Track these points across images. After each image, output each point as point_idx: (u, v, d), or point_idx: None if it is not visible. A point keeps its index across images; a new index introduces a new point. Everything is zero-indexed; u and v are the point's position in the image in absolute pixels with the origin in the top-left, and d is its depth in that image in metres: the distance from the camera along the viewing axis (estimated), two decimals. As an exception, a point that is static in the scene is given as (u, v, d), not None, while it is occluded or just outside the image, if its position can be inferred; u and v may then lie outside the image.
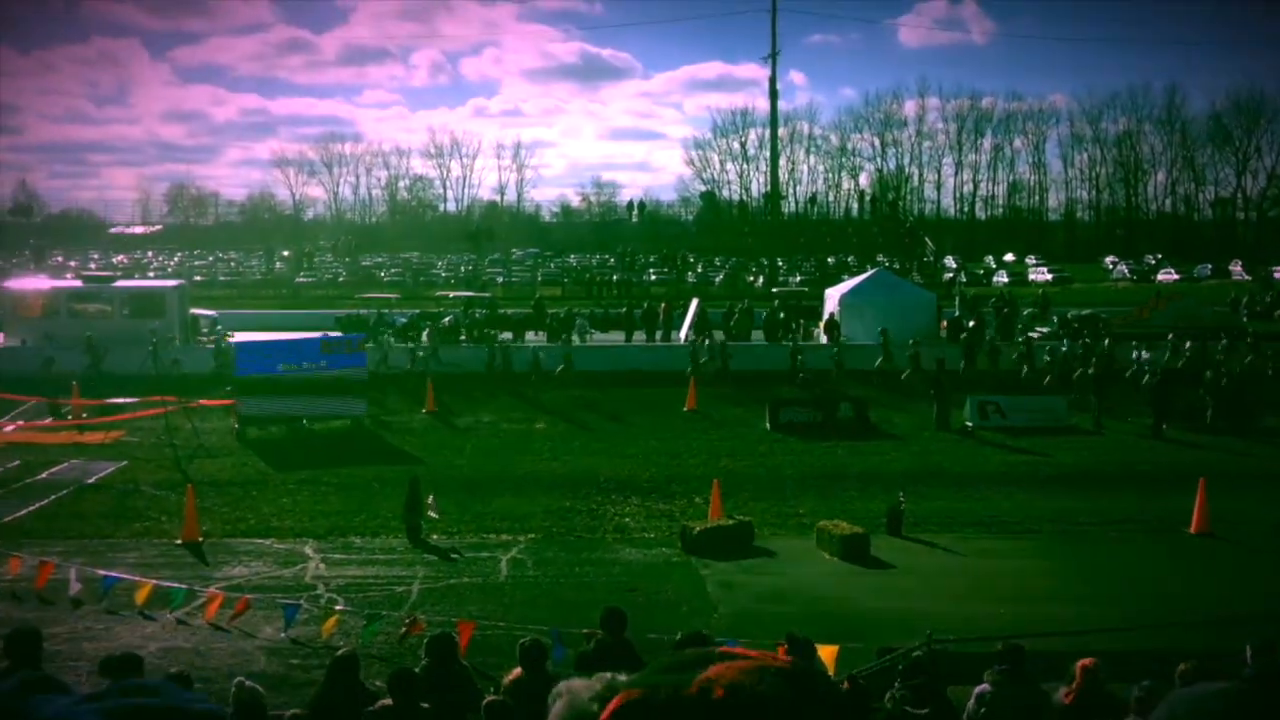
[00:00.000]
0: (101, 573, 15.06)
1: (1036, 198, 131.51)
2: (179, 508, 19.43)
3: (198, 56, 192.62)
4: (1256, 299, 55.28)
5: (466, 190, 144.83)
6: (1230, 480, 21.91)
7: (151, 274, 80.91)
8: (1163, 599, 15.06)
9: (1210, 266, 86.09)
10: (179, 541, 18.26)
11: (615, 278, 72.78)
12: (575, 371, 35.28)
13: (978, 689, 8.20)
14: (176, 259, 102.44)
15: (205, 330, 41.81)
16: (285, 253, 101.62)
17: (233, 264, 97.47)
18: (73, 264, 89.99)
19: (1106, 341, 36.36)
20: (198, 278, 75.41)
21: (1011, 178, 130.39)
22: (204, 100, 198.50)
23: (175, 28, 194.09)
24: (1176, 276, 79.86)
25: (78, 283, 44.07)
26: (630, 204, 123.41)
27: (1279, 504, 20.64)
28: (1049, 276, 79.27)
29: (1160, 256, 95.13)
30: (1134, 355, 35.14)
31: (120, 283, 44.81)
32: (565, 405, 31.97)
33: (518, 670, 8.61)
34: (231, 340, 35.84)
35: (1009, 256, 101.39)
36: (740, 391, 33.08)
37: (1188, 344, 34.76)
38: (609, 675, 1.55)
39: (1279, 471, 23.73)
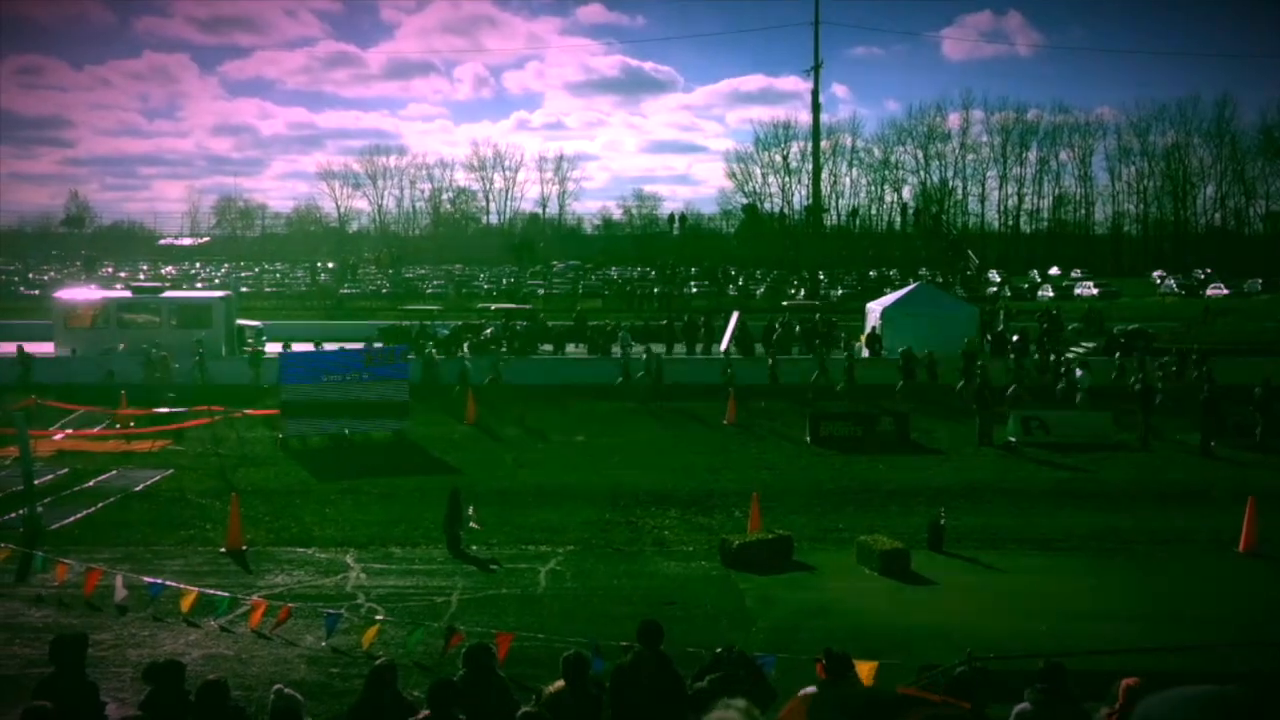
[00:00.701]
0: (147, 580, 15.28)
1: (1082, 211, 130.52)
2: (223, 516, 19.67)
3: (246, 70, 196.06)
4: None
5: (509, 203, 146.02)
6: (1280, 499, 21.53)
7: (199, 285, 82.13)
8: (1210, 619, 14.81)
9: (1260, 281, 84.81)
10: (223, 549, 18.48)
11: (656, 290, 72.87)
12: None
13: (1018, 708, 8.10)
14: (223, 270, 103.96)
15: (251, 340, 42.37)
16: (330, 264, 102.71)
17: (278, 275, 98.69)
18: (123, 275, 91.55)
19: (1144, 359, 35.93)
20: (244, 289, 76.45)
21: (1057, 191, 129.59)
22: (252, 114, 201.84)
23: (224, 42, 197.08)
24: (1226, 291, 78.75)
25: (127, 293, 44.82)
26: (671, 217, 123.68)
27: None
28: (1095, 291, 78.44)
29: (1210, 271, 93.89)
30: (1062, 370, 34.75)
31: (168, 294, 45.61)
32: (606, 417, 32.04)
33: (560, 683, 8.63)
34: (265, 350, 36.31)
35: (1054, 270, 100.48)
36: (782, 405, 33.02)
37: (1135, 360, 34.57)
38: (742, 704, 1.40)
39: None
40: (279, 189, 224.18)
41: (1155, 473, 25.28)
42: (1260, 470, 25.22)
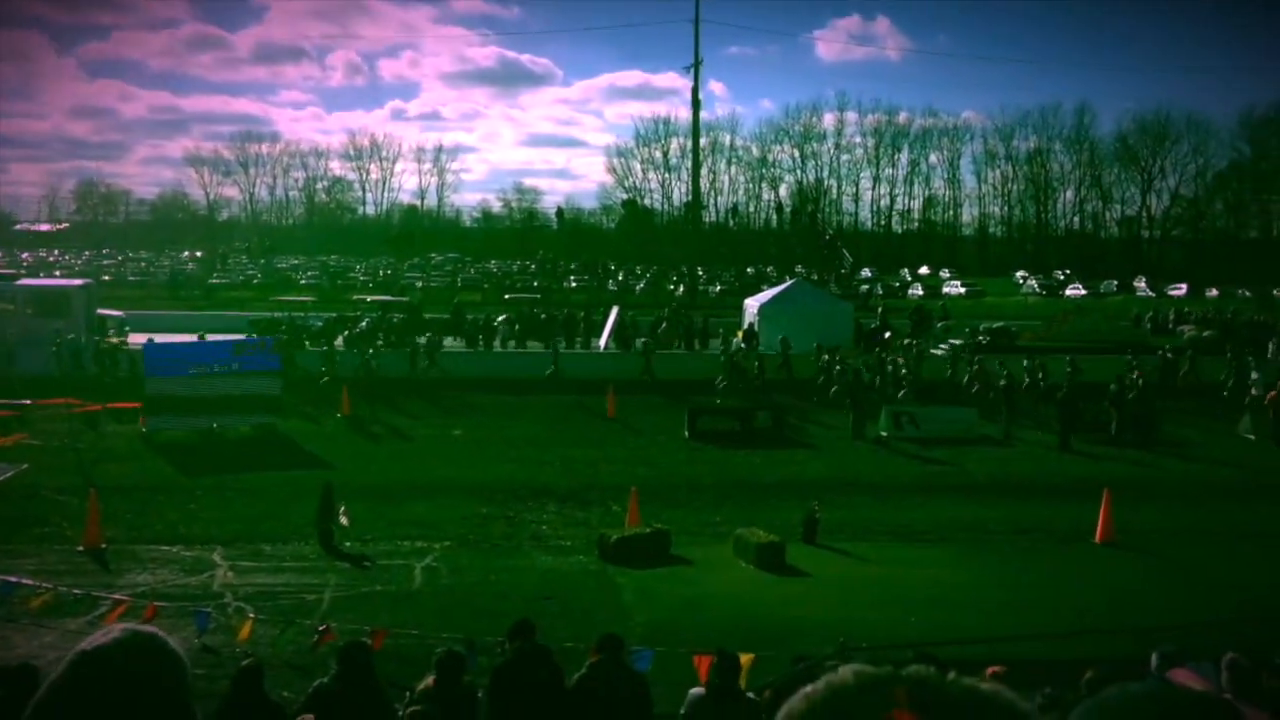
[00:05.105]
0: (-2, 580, 14.54)
1: (951, 212, 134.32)
2: (81, 513, 18.85)
3: (105, 52, 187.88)
4: (1160, 315, 57.09)
5: (386, 193, 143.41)
6: (1133, 491, 22.49)
7: (58, 273, 78.58)
8: (1070, 608, 15.38)
9: (1116, 282, 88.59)
10: (81, 548, 17.73)
11: (536, 284, 72.47)
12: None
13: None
14: (84, 258, 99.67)
15: (112, 331, 40.75)
16: (198, 253, 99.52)
17: (143, 264, 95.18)
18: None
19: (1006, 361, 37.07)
20: (105, 277, 73.46)
21: (927, 192, 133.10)
22: (112, 96, 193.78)
23: (81, 21, 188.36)
24: (1084, 292, 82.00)
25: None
26: (559, 211, 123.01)
27: (1180, 514, 21.34)
28: (962, 290, 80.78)
29: (1069, 272, 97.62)
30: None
31: (24, 281, 43.55)
32: (483, 411, 31.73)
33: (430, 679, 8.50)
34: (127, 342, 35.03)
35: (924, 269, 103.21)
36: (661, 399, 33.15)
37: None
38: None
39: (1180, 482, 24.48)
40: (143, 175, 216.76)
41: (1017, 466, 26.16)
42: (1115, 464, 26.31)
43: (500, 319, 44.47)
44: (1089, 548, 19.17)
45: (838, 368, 33.59)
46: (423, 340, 38.34)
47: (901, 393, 31.51)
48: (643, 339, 40.50)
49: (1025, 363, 33.67)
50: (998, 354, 36.64)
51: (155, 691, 1.96)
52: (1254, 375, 33.63)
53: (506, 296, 62.91)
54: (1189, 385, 33.84)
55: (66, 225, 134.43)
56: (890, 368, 34.15)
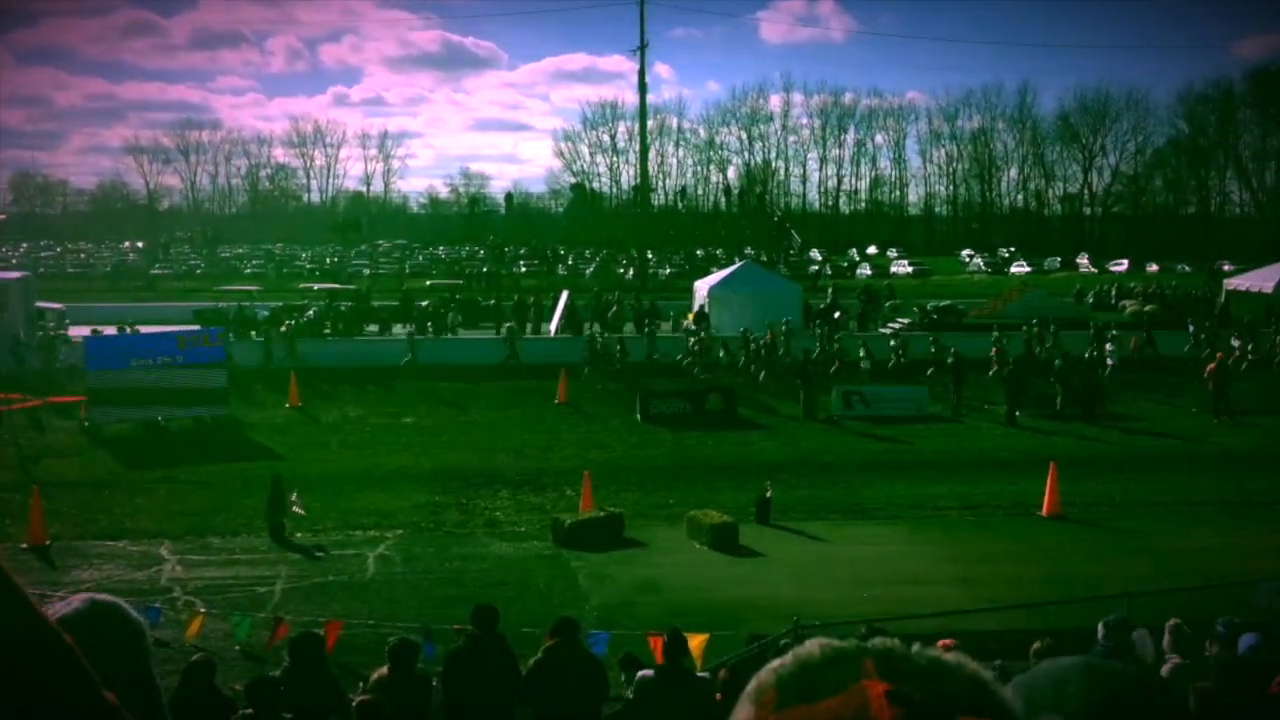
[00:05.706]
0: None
1: (897, 192, 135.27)
2: (24, 510, 18.51)
3: (37, 38, 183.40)
4: (1102, 291, 57.95)
5: (331, 180, 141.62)
6: (1079, 464, 22.88)
7: (-7, 265, 76.94)
8: (1018, 580, 15.62)
9: (1059, 259, 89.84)
10: (24, 545, 17.41)
11: (485, 270, 72.12)
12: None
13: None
14: (21, 249, 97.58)
15: (52, 324, 39.93)
16: (140, 243, 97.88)
17: (83, 255, 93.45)
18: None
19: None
20: (43, 269, 72.02)
21: (873, 173, 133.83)
22: (45, 84, 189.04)
23: (10, 6, 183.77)
24: (1028, 269, 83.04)
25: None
26: (508, 197, 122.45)
27: (1124, 486, 21.73)
28: (909, 269, 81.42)
29: (1013, 249, 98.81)
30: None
31: (-42, 274, 42.53)
32: (434, 399, 31.54)
33: (384, 669, 8.46)
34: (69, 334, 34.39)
35: (872, 249, 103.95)
36: (612, 383, 33.12)
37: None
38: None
39: (1124, 455, 24.92)
40: (80, 164, 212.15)
41: (966, 442, 26.49)
42: (1060, 438, 26.72)
43: (423, 304, 44.10)
44: (1036, 521, 19.48)
45: (696, 347, 34.68)
46: (283, 327, 37.72)
47: (761, 374, 32.91)
48: (508, 324, 40.34)
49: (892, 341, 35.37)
50: (943, 331, 37.00)
51: (117, 657, 2.02)
52: (1109, 348, 34.40)
53: (429, 283, 62.24)
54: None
55: (3, 217, 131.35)
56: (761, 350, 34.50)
